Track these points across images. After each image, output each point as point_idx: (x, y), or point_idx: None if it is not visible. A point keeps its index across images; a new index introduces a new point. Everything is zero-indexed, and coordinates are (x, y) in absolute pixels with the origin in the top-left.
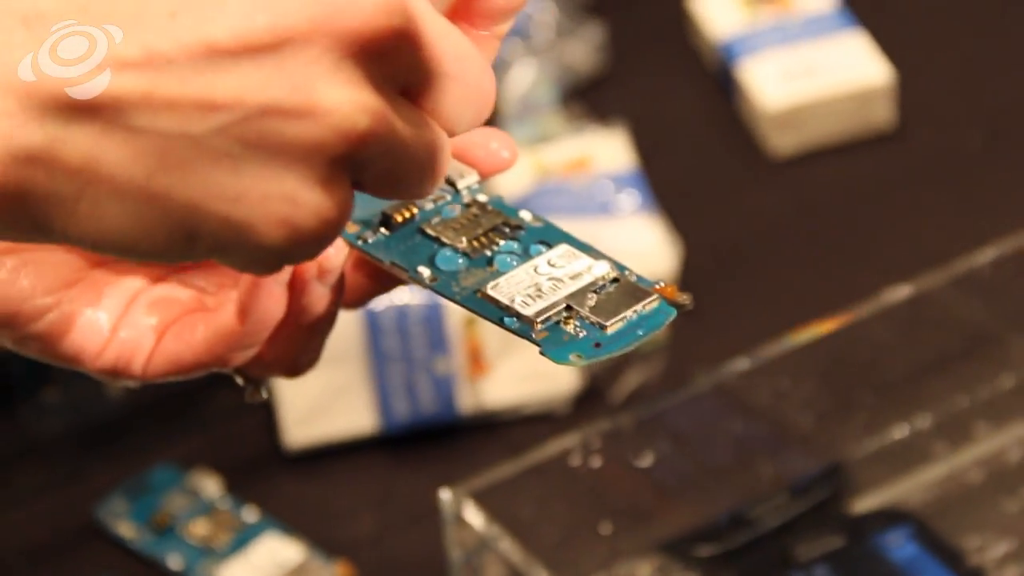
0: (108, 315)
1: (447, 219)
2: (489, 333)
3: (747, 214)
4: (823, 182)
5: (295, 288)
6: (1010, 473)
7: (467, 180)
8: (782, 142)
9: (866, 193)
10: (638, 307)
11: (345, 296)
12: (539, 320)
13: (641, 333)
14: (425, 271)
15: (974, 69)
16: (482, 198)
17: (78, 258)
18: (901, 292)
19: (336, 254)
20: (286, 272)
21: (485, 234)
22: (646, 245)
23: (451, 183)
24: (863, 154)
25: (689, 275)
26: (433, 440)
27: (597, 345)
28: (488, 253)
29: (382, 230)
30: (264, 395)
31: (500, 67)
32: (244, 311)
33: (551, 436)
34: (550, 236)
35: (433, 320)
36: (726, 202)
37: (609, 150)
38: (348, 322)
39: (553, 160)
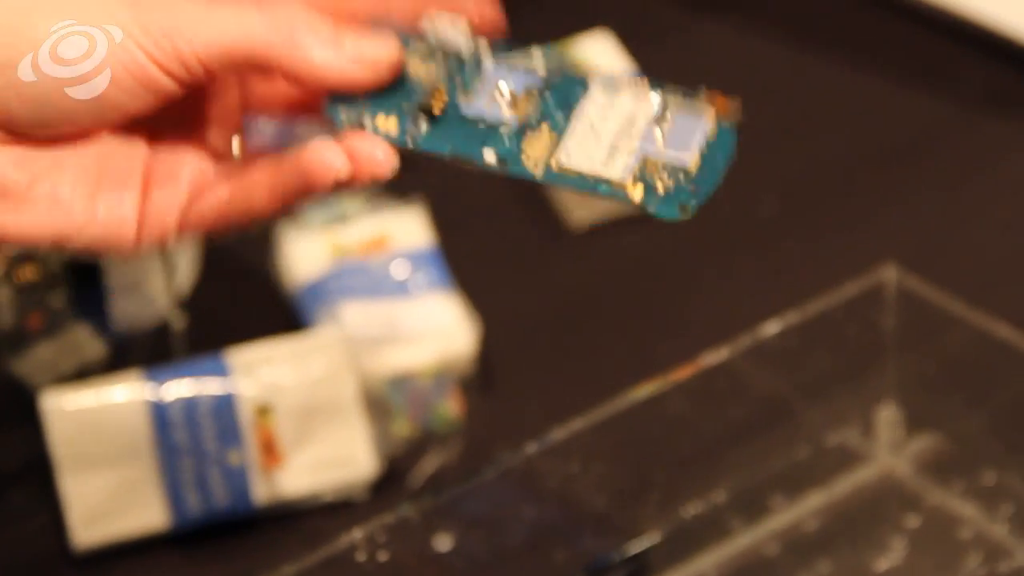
0: (132, 196)
1: (471, 90)
2: (283, 422)
3: (547, 288)
4: (622, 252)
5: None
6: (806, 545)
7: (457, 28)
8: (581, 213)
9: (666, 261)
10: (701, 131)
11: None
12: (629, 181)
13: (722, 163)
14: (490, 154)
15: (766, 134)
16: (483, 45)
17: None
18: (691, 366)
19: (387, 163)
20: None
21: (518, 98)
22: (444, 324)
23: (449, 39)
24: (660, 223)
25: (488, 353)
26: (228, 534)
27: (693, 188)
28: (531, 111)
29: (424, 125)
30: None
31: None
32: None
33: (350, 524)
34: (574, 80)
35: (223, 411)
36: (526, 277)
37: (407, 228)
38: (134, 416)
39: (350, 240)
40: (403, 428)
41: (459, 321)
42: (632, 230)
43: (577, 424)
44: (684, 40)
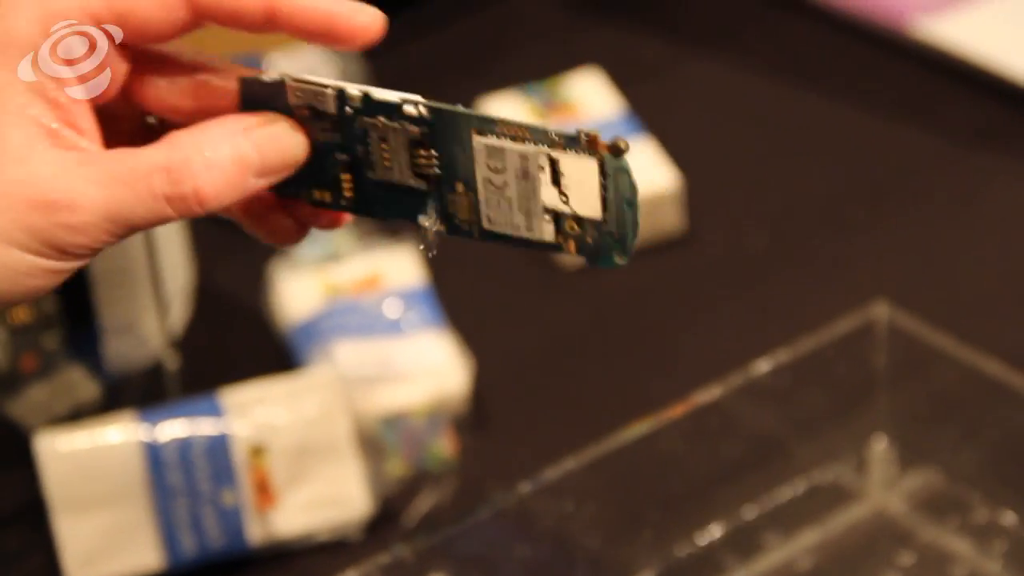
0: None
1: (370, 161)
2: (276, 462)
3: (540, 326)
4: (615, 290)
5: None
6: None
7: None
8: None
9: (657, 299)
10: (594, 179)
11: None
12: (557, 239)
13: (628, 205)
14: (425, 221)
15: (755, 170)
16: (355, 93)
17: None
18: (684, 404)
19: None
20: None
21: (415, 158)
22: (437, 363)
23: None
24: (654, 259)
25: (482, 391)
26: (223, 575)
27: (615, 236)
28: (436, 174)
29: (351, 196)
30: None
31: None
32: None
33: (344, 564)
34: (456, 129)
35: (217, 451)
36: (518, 314)
37: (399, 267)
38: (128, 457)
39: (343, 279)
40: (397, 467)
41: (452, 360)
42: (625, 268)
43: (570, 463)
44: (674, 76)
